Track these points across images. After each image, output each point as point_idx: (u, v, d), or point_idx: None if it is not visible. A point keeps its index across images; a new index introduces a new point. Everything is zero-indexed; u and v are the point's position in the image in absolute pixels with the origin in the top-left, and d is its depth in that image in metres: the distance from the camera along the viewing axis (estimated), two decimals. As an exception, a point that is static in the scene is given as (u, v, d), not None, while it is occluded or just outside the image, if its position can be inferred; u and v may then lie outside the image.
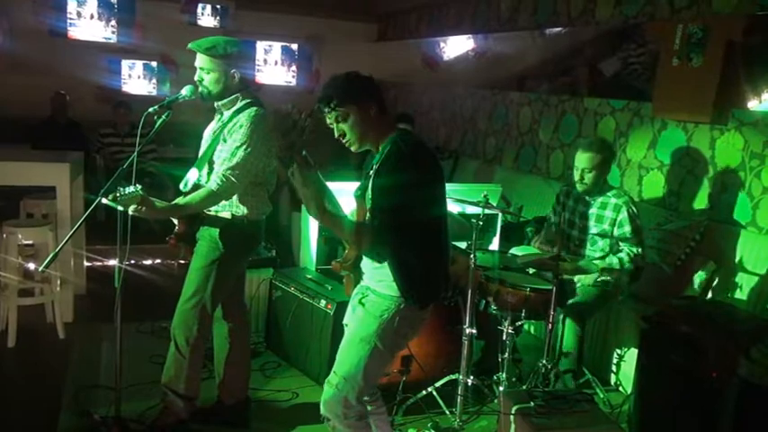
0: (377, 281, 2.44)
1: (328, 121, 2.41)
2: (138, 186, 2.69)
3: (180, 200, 2.90)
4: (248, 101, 2.97)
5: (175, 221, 3.02)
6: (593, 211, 3.79)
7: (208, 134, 3.08)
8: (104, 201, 2.66)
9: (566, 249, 3.77)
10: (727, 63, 3.88)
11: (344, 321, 2.63)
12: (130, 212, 2.70)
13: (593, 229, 3.78)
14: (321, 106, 2.38)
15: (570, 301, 3.65)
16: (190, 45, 2.93)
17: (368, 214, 2.37)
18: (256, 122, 2.89)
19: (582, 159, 3.73)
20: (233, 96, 2.96)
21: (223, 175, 2.85)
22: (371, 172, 2.38)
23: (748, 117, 3.91)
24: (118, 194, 2.64)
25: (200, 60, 2.92)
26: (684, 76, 4.11)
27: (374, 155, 2.44)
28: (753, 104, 3.84)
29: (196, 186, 2.97)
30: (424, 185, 2.35)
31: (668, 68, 4.23)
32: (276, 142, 2.94)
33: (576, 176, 3.77)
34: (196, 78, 2.95)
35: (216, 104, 3.01)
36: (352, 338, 2.46)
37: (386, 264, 2.37)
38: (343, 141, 2.42)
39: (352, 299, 2.58)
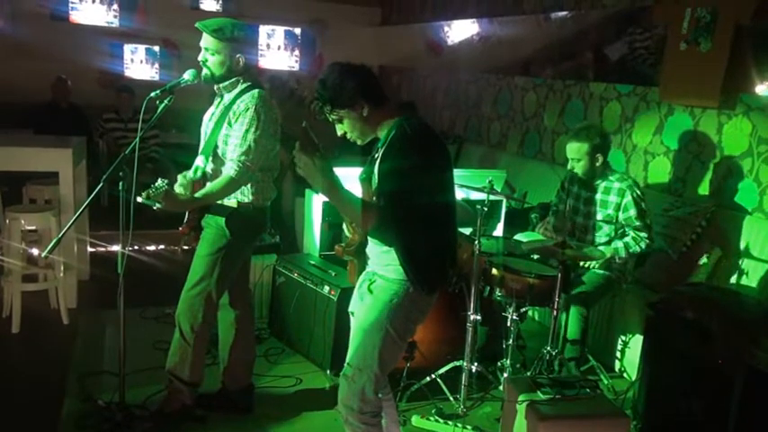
0: (384, 265, 2.40)
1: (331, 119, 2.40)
2: (165, 181, 2.69)
3: (200, 192, 2.88)
4: (249, 84, 2.95)
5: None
6: (597, 196, 3.76)
7: (208, 118, 3.05)
8: (139, 199, 2.64)
9: (571, 236, 3.75)
10: (736, 47, 3.84)
11: (350, 309, 2.59)
12: (155, 207, 2.68)
13: (598, 214, 3.75)
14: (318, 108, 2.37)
15: (575, 291, 3.63)
16: (197, 24, 2.89)
17: (374, 198, 2.35)
18: (261, 104, 2.88)
19: (570, 149, 3.71)
20: (234, 79, 2.94)
21: (239, 160, 2.84)
22: (377, 155, 2.36)
23: (756, 102, 3.87)
24: (151, 191, 2.63)
25: (206, 41, 2.89)
26: (692, 61, 4.06)
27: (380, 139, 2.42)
28: (761, 89, 3.79)
29: (204, 174, 2.96)
30: (429, 169, 2.31)
31: (676, 52, 4.18)
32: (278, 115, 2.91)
33: (569, 166, 3.77)
34: (200, 58, 2.92)
35: (216, 87, 2.98)
36: (364, 326, 2.41)
37: (392, 248, 2.34)
38: (348, 138, 2.41)
39: (358, 286, 2.54)
